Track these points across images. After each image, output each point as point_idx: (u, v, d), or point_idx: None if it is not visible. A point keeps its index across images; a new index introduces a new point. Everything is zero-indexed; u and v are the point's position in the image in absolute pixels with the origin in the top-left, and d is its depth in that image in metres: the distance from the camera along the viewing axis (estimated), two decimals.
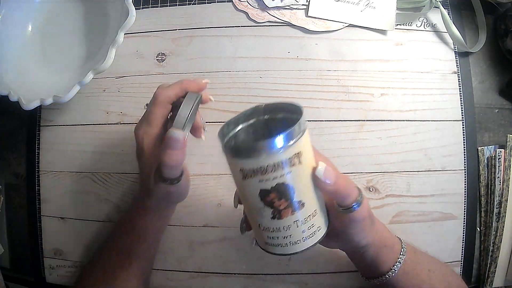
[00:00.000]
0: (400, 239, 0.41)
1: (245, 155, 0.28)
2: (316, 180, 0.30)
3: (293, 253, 0.32)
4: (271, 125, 0.34)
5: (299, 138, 0.28)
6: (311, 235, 0.31)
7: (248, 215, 0.33)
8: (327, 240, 0.35)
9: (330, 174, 0.30)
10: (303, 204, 0.30)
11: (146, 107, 0.42)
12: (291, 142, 0.27)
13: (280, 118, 0.34)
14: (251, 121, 0.34)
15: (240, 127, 0.34)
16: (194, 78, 0.41)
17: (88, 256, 0.52)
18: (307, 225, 0.31)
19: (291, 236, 0.31)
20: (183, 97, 0.38)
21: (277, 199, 0.29)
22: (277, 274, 0.51)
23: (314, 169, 0.30)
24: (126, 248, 0.44)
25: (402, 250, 0.39)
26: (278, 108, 0.34)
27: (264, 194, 0.29)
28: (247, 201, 0.31)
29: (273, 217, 0.30)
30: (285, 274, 0.50)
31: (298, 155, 0.28)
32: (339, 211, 0.33)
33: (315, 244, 0.32)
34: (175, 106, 0.40)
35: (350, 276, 0.50)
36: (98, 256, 0.48)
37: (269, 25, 0.53)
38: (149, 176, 0.39)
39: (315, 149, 0.32)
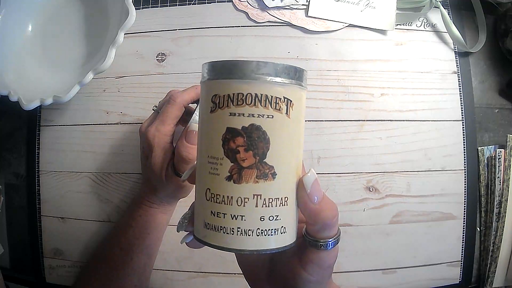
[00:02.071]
0: None
1: (228, 72, 0.22)
2: (299, 189, 0.24)
3: (237, 250, 0.23)
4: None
5: (298, 85, 0.23)
6: (270, 232, 0.23)
7: (198, 174, 0.25)
8: (264, 282, 0.28)
9: (318, 189, 0.24)
10: (273, 175, 0.23)
11: (154, 109, 0.44)
12: (288, 79, 0.23)
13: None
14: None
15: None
16: None
17: (88, 256, 0.52)
18: (270, 212, 0.23)
19: (244, 218, 0.22)
20: (195, 102, 0.41)
21: (243, 149, 0.22)
22: None
23: (303, 175, 0.24)
24: (128, 243, 0.45)
25: None
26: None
27: (229, 136, 0.22)
28: (204, 149, 0.24)
29: (229, 178, 0.22)
30: None
31: (289, 102, 0.23)
32: (306, 241, 0.25)
33: (271, 250, 0.23)
34: (186, 110, 0.43)
35: (349, 276, 0.50)
36: (101, 252, 0.48)
37: (269, 25, 0.53)
38: (159, 172, 0.41)
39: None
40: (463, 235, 0.51)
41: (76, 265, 0.53)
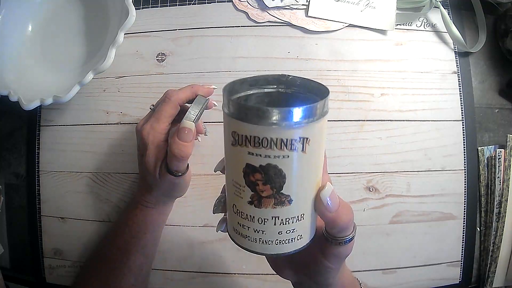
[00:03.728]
0: (357, 280, 0.37)
1: (244, 115, 0.23)
2: (317, 202, 0.26)
3: (260, 253, 0.27)
4: (291, 100, 0.29)
5: (314, 121, 0.23)
6: (288, 241, 0.26)
7: (226, 189, 0.28)
8: (285, 267, 0.32)
9: (335, 201, 0.26)
10: (290, 201, 0.25)
11: (151, 108, 0.44)
12: (306, 119, 0.23)
13: (303, 96, 0.28)
14: (269, 90, 0.29)
15: (254, 91, 0.28)
16: (202, 84, 0.45)
17: (88, 256, 0.52)
18: (287, 228, 0.26)
19: (264, 233, 0.26)
20: (191, 101, 0.42)
21: (261, 182, 0.24)
22: (277, 274, 0.50)
23: (320, 188, 0.26)
24: (124, 242, 0.45)
25: None
26: (305, 85, 0.28)
27: (249, 171, 0.24)
28: (229, 173, 0.27)
29: (251, 202, 0.25)
30: None
31: (305, 140, 0.23)
32: (327, 240, 0.28)
33: (289, 253, 0.27)
34: (182, 109, 0.43)
35: None
36: (99, 252, 0.48)
37: (269, 25, 0.53)
38: (153, 170, 0.41)
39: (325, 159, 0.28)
40: (463, 235, 0.51)
41: (76, 265, 0.53)
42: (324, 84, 0.26)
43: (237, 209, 0.26)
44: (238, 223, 0.27)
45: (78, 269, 0.53)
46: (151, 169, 0.41)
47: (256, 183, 0.24)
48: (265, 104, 0.29)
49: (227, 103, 0.25)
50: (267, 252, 0.26)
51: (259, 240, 0.26)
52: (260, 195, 0.25)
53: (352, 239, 0.28)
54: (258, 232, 0.26)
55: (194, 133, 0.39)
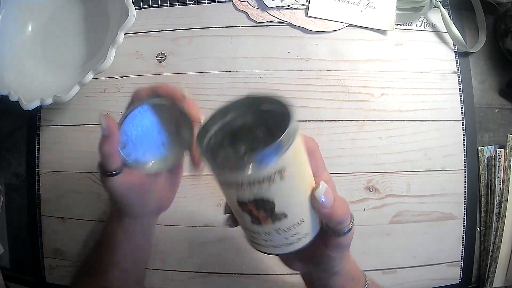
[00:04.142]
0: (364, 273, 0.38)
1: (219, 170, 0.26)
2: (312, 201, 0.28)
3: (273, 254, 0.30)
4: (254, 121, 0.29)
5: (285, 151, 0.24)
6: (294, 241, 0.29)
7: (232, 210, 0.31)
8: (294, 260, 0.34)
9: (329, 198, 0.28)
10: (286, 215, 0.27)
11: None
12: (274, 157, 0.24)
13: (266, 111, 0.28)
14: (229, 118, 0.29)
15: (216, 126, 0.29)
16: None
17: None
18: (291, 233, 0.28)
19: (272, 240, 0.29)
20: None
21: (255, 210, 0.27)
22: (277, 274, 0.51)
23: (314, 188, 0.28)
24: (98, 258, 0.42)
25: (366, 284, 0.37)
26: (264, 101, 0.28)
27: (240, 203, 0.27)
28: (228, 203, 0.30)
29: (253, 222, 0.28)
30: (285, 274, 0.50)
31: (280, 172, 0.25)
32: (327, 232, 0.30)
33: (299, 249, 0.30)
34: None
35: None
36: (82, 268, 0.45)
37: (269, 25, 0.53)
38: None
39: (315, 153, 0.31)
40: (463, 235, 0.51)
41: (76, 265, 0.53)
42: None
43: (245, 227, 0.30)
44: (248, 234, 0.30)
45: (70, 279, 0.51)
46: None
47: (250, 210, 0.27)
48: (236, 139, 0.30)
49: (203, 155, 0.28)
50: (279, 252, 0.30)
51: (269, 245, 0.29)
52: (258, 217, 0.27)
53: (350, 229, 0.30)
54: (266, 241, 0.29)
55: (112, 128, 0.33)
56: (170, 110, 0.34)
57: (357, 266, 0.37)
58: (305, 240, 0.29)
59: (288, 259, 0.36)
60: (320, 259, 0.33)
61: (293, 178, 0.26)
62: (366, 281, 0.37)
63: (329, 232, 0.30)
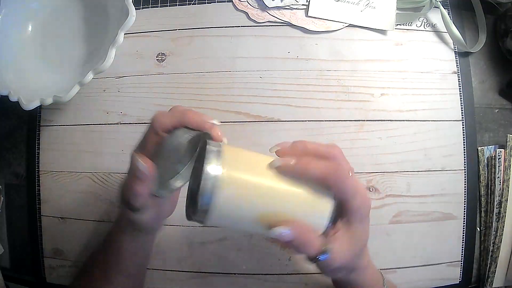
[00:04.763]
0: (381, 273, 0.40)
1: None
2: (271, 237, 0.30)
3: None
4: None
5: (209, 206, 0.29)
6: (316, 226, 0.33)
7: None
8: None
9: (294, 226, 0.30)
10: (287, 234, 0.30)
11: None
12: (201, 215, 0.30)
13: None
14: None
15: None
16: (201, 113, 0.34)
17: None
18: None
19: None
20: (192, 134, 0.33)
21: None
22: (277, 274, 0.51)
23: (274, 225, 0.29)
24: (104, 262, 0.42)
25: (384, 285, 0.39)
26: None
27: None
28: None
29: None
30: (285, 274, 0.50)
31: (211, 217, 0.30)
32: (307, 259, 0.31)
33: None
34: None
35: None
36: (84, 269, 0.46)
37: (269, 25, 0.53)
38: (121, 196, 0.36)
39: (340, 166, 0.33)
40: (463, 235, 0.51)
41: (76, 265, 0.53)
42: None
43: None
44: None
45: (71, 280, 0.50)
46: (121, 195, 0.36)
47: None
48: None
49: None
50: None
51: None
52: None
53: (322, 259, 0.30)
54: None
55: (150, 173, 0.32)
56: (196, 138, 0.33)
57: (375, 269, 0.39)
58: (321, 228, 0.32)
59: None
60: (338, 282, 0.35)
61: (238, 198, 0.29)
62: (384, 284, 0.38)
63: (308, 259, 0.31)
